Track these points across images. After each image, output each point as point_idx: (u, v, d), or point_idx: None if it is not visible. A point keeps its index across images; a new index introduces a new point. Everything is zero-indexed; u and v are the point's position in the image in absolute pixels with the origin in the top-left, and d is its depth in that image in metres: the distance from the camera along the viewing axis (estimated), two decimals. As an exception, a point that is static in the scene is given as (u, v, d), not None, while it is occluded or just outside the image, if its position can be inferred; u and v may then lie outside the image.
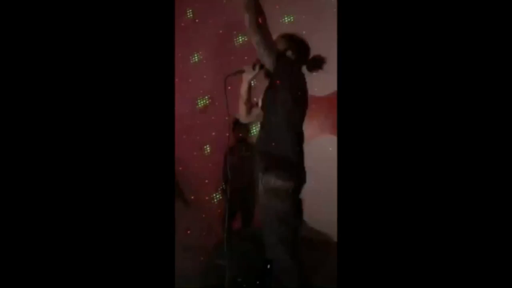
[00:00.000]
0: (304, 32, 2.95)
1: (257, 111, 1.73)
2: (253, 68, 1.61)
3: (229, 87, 3.57)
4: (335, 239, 2.98)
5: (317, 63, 1.64)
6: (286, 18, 3.01)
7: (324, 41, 2.76)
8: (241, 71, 1.65)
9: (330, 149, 2.91)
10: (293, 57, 1.59)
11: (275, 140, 1.53)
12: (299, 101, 1.54)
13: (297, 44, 1.63)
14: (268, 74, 1.60)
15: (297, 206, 1.56)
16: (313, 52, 1.72)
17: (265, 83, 1.66)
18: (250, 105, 1.72)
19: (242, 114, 1.75)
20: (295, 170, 1.53)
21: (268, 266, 1.88)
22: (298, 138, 1.57)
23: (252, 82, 1.67)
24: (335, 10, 3.06)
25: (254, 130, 3.20)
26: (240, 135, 2.99)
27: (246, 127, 3.00)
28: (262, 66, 1.60)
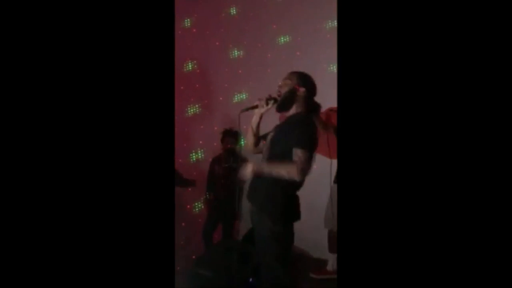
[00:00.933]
0: (298, 53, 3.06)
1: (264, 144, 1.79)
2: (266, 104, 1.69)
3: (205, 101, 3.55)
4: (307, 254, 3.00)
5: (316, 109, 1.75)
6: (282, 38, 3.10)
7: (317, 63, 2.87)
8: (255, 107, 1.73)
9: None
10: (306, 94, 1.68)
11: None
12: (308, 142, 1.60)
13: (308, 82, 1.72)
14: (279, 109, 1.69)
15: (289, 227, 1.64)
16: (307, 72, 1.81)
17: (275, 115, 1.76)
18: (258, 138, 1.79)
19: (249, 146, 1.81)
20: (290, 210, 1.62)
21: (250, 280, 1.91)
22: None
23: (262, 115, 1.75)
24: (329, 36, 3.16)
25: (243, 141, 3.22)
26: (229, 146, 2.98)
27: (235, 137, 2.98)
28: (275, 101, 1.69)
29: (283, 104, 1.67)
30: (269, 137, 1.72)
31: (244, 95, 3.26)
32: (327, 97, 1.84)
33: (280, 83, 1.71)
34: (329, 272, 2.51)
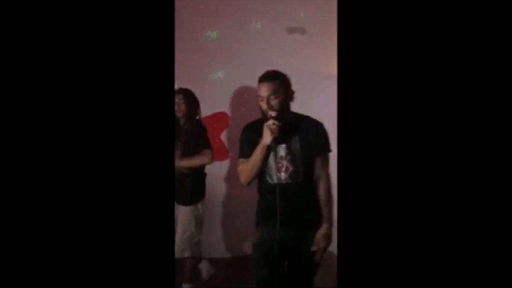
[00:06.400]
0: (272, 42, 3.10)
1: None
2: (277, 131, 1.52)
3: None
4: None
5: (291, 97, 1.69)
6: (253, 24, 3.20)
7: (286, 56, 2.94)
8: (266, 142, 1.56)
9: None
10: (287, 91, 1.62)
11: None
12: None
13: (286, 79, 1.65)
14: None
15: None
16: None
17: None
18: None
19: (249, 178, 1.69)
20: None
21: None
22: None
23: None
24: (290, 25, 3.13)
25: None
26: None
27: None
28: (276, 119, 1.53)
29: (280, 117, 1.53)
30: (282, 149, 1.61)
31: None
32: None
33: (263, 98, 1.53)
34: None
